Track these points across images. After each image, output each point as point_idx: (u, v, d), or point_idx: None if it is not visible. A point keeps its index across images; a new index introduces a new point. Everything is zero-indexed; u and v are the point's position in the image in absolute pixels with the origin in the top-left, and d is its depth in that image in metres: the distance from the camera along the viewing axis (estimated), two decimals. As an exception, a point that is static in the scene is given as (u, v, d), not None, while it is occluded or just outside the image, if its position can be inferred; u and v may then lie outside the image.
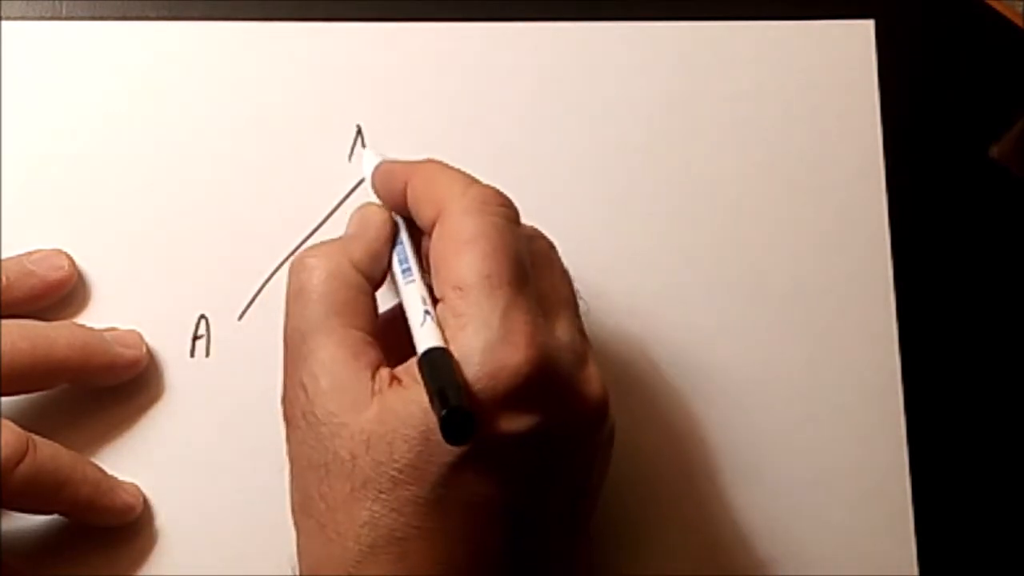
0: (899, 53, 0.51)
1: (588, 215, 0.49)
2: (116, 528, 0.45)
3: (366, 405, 0.37)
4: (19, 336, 0.43)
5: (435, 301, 0.39)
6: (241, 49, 0.50)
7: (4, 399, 0.44)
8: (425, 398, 0.36)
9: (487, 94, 0.50)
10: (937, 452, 0.48)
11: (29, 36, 0.50)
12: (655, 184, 0.50)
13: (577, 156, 0.50)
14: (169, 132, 0.49)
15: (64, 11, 0.50)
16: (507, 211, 0.40)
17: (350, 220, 0.43)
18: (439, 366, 0.36)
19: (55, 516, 0.45)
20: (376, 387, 0.38)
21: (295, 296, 0.40)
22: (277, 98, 0.50)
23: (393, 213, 0.43)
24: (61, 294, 0.47)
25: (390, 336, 0.40)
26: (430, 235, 0.40)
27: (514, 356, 0.36)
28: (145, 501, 0.46)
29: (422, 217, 0.41)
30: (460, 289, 0.38)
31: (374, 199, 0.45)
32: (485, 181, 0.49)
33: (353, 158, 0.49)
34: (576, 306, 0.41)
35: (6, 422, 0.42)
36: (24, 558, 0.45)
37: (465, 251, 0.38)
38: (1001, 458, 0.48)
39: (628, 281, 0.49)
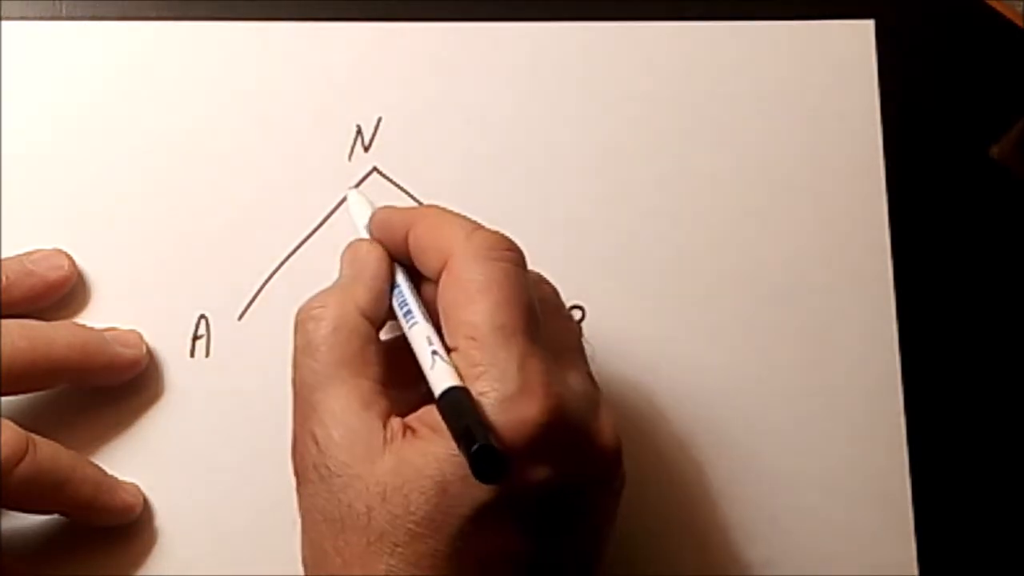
0: (899, 53, 0.51)
1: (588, 215, 0.49)
2: (116, 528, 0.45)
3: (380, 456, 0.37)
4: (19, 336, 0.43)
5: (446, 347, 0.38)
6: (241, 49, 0.50)
7: (4, 399, 0.44)
8: (441, 449, 0.36)
9: (487, 94, 0.50)
10: (937, 452, 0.48)
11: (29, 36, 0.50)
12: (654, 184, 0.50)
13: (576, 156, 0.50)
14: (169, 132, 0.49)
15: (64, 11, 0.50)
16: (515, 255, 0.39)
17: (343, 260, 0.43)
18: (461, 405, 0.36)
19: (55, 516, 0.45)
20: (388, 436, 0.37)
21: (303, 349, 0.40)
22: (277, 98, 0.50)
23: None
24: (61, 294, 0.47)
25: (395, 378, 0.40)
26: (436, 282, 0.40)
27: (532, 407, 0.36)
28: (145, 501, 0.46)
29: (427, 265, 0.41)
30: (474, 339, 0.37)
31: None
32: (485, 182, 0.49)
33: (353, 158, 0.49)
34: (583, 351, 0.41)
35: (6, 422, 0.42)
36: (24, 558, 0.45)
37: (477, 300, 0.38)
38: (1001, 458, 0.48)
39: (628, 281, 0.49)
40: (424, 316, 0.40)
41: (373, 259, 0.42)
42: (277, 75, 0.50)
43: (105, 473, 0.45)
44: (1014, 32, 0.52)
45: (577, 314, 0.48)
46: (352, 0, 0.51)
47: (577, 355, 0.41)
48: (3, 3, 0.50)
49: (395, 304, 0.41)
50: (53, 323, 0.46)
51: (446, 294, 0.39)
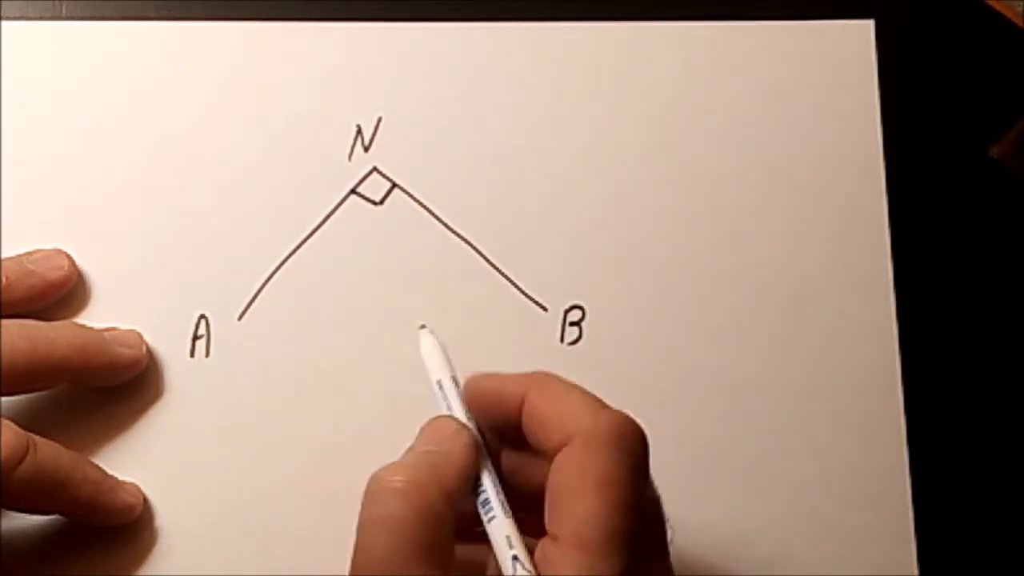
0: (899, 53, 0.51)
1: (588, 215, 0.49)
2: (116, 528, 0.45)
3: None
4: (19, 336, 0.43)
5: (540, 529, 0.37)
6: (241, 49, 0.50)
7: (4, 399, 0.44)
8: None
9: (487, 94, 0.50)
10: (937, 452, 0.48)
11: (29, 36, 0.50)
12: (655, 184, 0.50)
13: (577, 156, 0.50)
14: (169, 132, 0.49)
15: (64, 11, 0.50)
16: (641, 447, 0.38)
17: (423, 434, 0.41)
18: None
19: (55, 516, 0.44)
20: None
21: (381, 522, 0.37)
22: (277, 98, 0.50)
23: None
24: (61, 294, 0.47)
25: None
26: (550, 459, 0.38)
27: None
28: (145, 501, 0.45)
29: (544, 439, 0.38)
30: (580, 538, 0.35)
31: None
32: (485, 182, 0.49)
33: (353, 158, 0.49)
34: (667, 544, 0.39)
35: (6, 422, 0.42)
36: (24, 558, 0.45)
37: (593, 494, 0.36)
38: (1001, 458, 0.48)
39: (628, 281, 0.49)
40: (504, 511, 0.39)
41: (464, 444, 0.40)
42: (277, 75, 0.50)
43: (105, 473, 0.45)
44: (1014, 32, 0.52)
45: (577, 314, 0.48)
46: (352, 0, 0.51)
47: (663, 561, 0.38)
48: (3, 3, 0.50)
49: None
50: (53, 323, 0.46)
51: (562, 476, 0.37)
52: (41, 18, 0.50)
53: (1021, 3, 0.53)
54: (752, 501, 0.47)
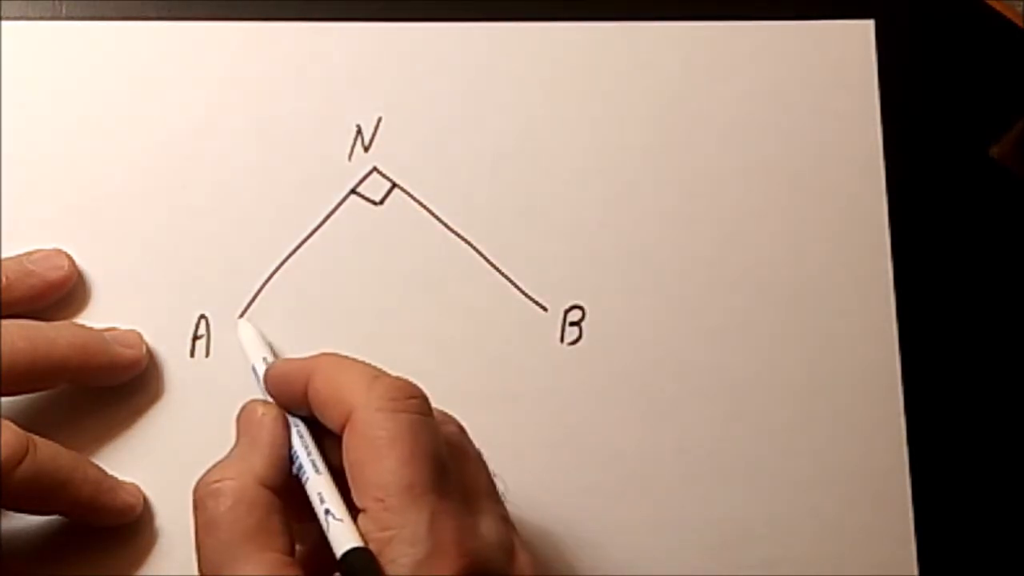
0: (899, 53, 0.51)
1: (588, 215, 0.49)
2: (116, 528, 0.45)
3: None
4: (19, 336, 0.43)
5: (352, 506, 0.37)
6: (241, 49, 0.50)
7: (4, 399, 0.44)
8: None
9: (487, 94, 0.50)
10: (937, 452, 0.48)
11: (29, 36, 0.50)
12: (655, 184, 0.50)
13: (577, 156, 0.50)
14: (169, 132, 0.49)
15: (64, 11, 0.50)
16: (419, 403, 0.38)
17: (238, 423, 0.42)
18: (367, 569, 0.35)
19: (55, 516, 0.44)
20: None
21: (205, 527, 0.38)
22: (277, 98, 0.50)
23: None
24: (61, 294, 0.47)
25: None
26: (340, 435, 0.38)
27: (446, 569, 0.35)
28: (145, 501, 0.45)
29: (329, 419, 0.39)
30: (382, 500, 0.36)
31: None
32: (485, 182, 0.49)
33: (353, 158, 0.49)
34: (495, 491, 0.40)
35: (6, 422, 0.42)
36: (24, 558, 0.45)
37: (383, 457, 0.37)
38: (1001, 458, 0.48)
39: (628, 281, 0.49)
40: (315, 470, 0.39)
41: (268, 422, 0.41)
42: (277, 75, 0.50)
43: (105, 473, 0.45)
44: (1014, 32, 0.52)
45: (577, 314, 0.48)
46: (352, 0, 0.51)
47: (488, 499, 0.39)
48: (3, 3, 0.50)
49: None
50: (53, 323, 0.46)
51: (351, 451, 0.38)
52: (41, 18, 0.50)
53: (1021, 3, 0.53)
54: (752, 501, 0.47)
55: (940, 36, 0.52)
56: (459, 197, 0.49)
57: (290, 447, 0.41)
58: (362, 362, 0.40)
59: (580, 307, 0.48)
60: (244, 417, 0.42)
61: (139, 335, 0.47)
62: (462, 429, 0.41)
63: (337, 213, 0.49)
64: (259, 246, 0.48)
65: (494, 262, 0.49)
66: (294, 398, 0.41)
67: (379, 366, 0.39)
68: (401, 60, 0.50)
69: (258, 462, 0.40)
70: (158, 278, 0.48)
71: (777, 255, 0.49)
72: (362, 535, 0.36)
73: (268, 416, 0.41)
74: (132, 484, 0.45)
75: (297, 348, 0.47)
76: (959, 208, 0.51)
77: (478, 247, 0.49)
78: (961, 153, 0.51)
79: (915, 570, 0.47)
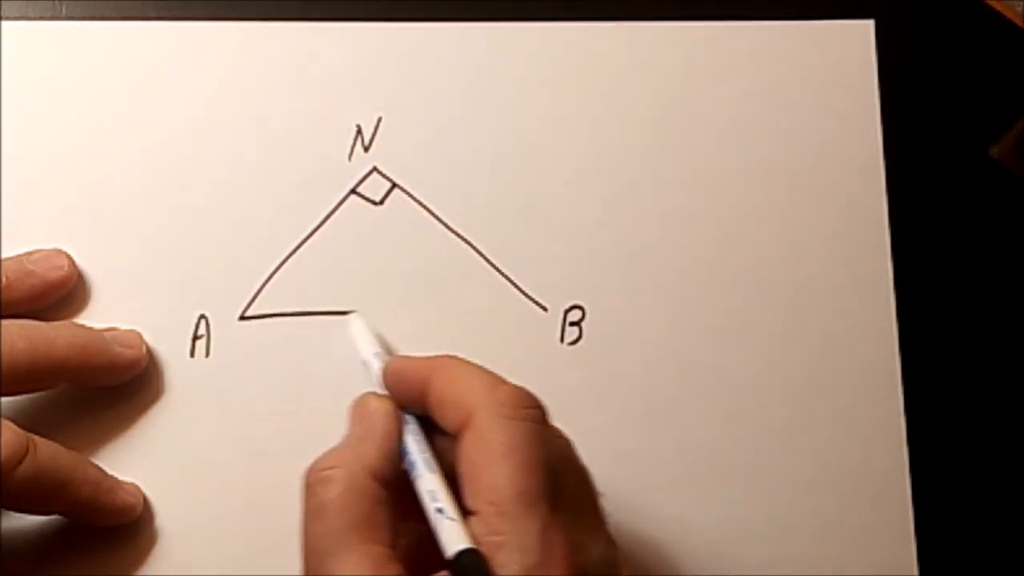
0: (899, 53, 0.51)
1: (588, 215, 0.49)
2: (116, 528, 0.45)
3: None
4: (19, 336, 0.43)
5: (464, 507, 0.38)
6: (241, 49, 0.50)
7: (4, 399, 0.44)
8: None
9: (487, 94, 0.50)
10: (937, 452, 0.48)
11: (29, 36, 0.50)
12: (655, 184, 0.50)
13: (577, 156, 0.50)
14: (169, 132, 0.49)
15: (64, 11, 0.50)
16: (537, 413, 0.39)
17: (351, 414, 0.42)
18: (474, 570, 0.36)
19: (55, 516, 0.44)
20: None
21: (313, 513, 0.38)
22: (277, 98, 0.50)
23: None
24: (61, 294, 0.47)
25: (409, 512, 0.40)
26: (455, 439, 0.39)
27: None
28: (145, 501, 0.45)
29: (447, 420, 0.40)
30: (495, 504, 0.37)
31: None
32: (485, 182, 0.49)
33: (353, 158, 0.49)
34: (600, 508, 0.40)
35: (6, 422, 0.42)
36: (24, 558, 0.45)
37: (499, 463, 0.37)
38: (1001, 458, 0.48)
39: (628, 281, 0.49)
40: (428, 467, 0.39)
41: (382, 415, 0.41)
42: (277, 75, 0.50)
43: (105, 473, 0.45)
44: (1014, 32, 0.52)
45: (577, 314, 0.48)
46: (352, 0, 0.51)
47: (595, 516, 0.40)
48: (3, 3, 0.50)
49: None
50: (53, 323, 0.46)
51: (468, 453, 0.38)
52: (41, 18, 0.50)
53: (1021, 3, 0.53)
54: (752, 501, 0.47)
55: (940, 36, 0.53)
56: (459, 197, 0.49)
57: (401, 442, 0.41)
58: (483, 368, 0.41)
59: (580, 307, 0.48)
60: (357, 408, 0.42)
61: (139, 335, 0.47)
62: (570, 445, 0.41)
63: (337, 213, 0.49)
64: (259, 246, 0.48)
65: (494, 262, 0.49)
66: (411, 395, 0.41)
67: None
68: (401, 60, 0.50)
69: (370, 453, 0.40)
70: (158, 278, 0.48)
71: (777, 255, 0.49)
72: (472, 537, 0.37)
73: (382, 409, 0.41)
74: (132, 484, 0.45)
75: (297, 348, 0.47)
76: (959, 208, 0.51)
77: (478, 247, 0.49)
78: (961, 153, 0.51)
79: (915, 570, 0.47)
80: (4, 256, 0.47)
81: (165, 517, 0.46)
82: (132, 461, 0.46)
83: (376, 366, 0.44)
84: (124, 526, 0.45)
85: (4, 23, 0.49)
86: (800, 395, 0.48)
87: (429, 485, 0.39)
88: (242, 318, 0.48)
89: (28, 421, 0.44)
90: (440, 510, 0.38)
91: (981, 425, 0.49)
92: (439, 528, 0.37)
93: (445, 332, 0.48)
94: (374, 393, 0.43)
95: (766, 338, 0.49)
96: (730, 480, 0.47)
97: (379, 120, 0.50)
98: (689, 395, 0.48)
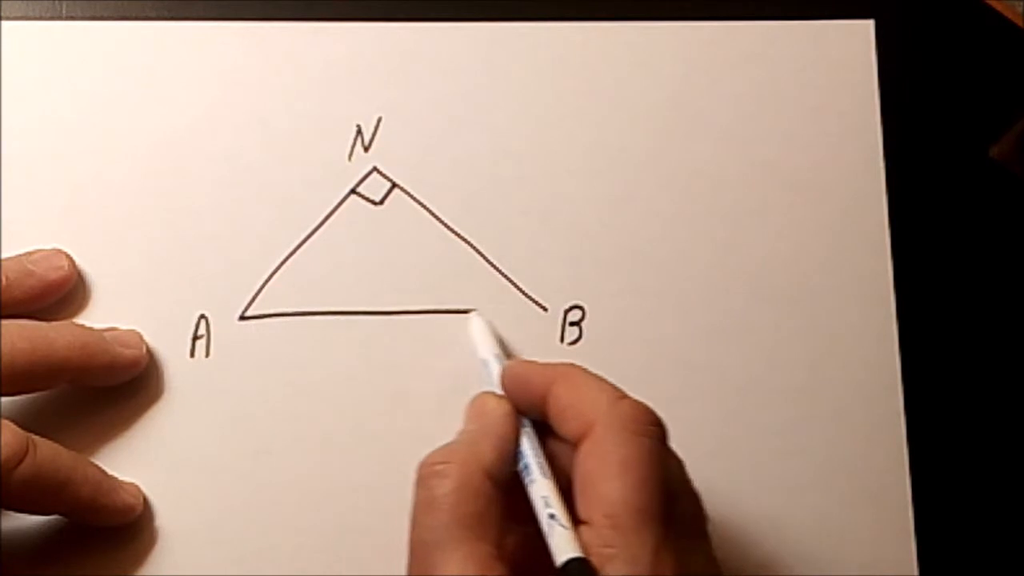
0: (899, 53, 0.51)
1: (588, 215, 0.49)
2: (116, 528, 0.45)
3: None
4: (19, 336, 0.43)
5: (575, 516, 0.38)
6: (241, 49, 0.50)
7: (4, 399, 0.44)
8: None
9: (487, 94, 0.50)
10: (937, 452, 0.48)
11: (29, 36, 0.50)
12: (654, 184, 0.50)
13: (577, 156, 0.50)
14: (169, 132, 0.49)
15: (64, 11, 0.50)
16: (658, 431, 0.39)
17: (468, 411, 0.43)
18: None
19: (55, 516, 0.44)
20: None
21: (425, 505, 0.39)
22: (277, 98, 0.50)
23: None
24: (61, 294, 0.47)
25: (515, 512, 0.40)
26: (574, 447, 0.39)
27: None
28: (145, 501, 0.45)
29: (567, 429, 0.40)
30: (610, 517, 0.37)
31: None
32: (485, 182, 0.49)
33: (353, 158, 0.49)
34: (707, 531, 0.40)
35: (6, 422, 0.42)
36: (24, 558, 0.45)
37: (617, 476, 0.37)
38: (1001, 458, 0.48)
39: (628, 281, 0.49)
40: (543, 473, 0.40)
41: (500, 416, 0.42)
42: (277, 75, 0.50)
43: (105, 473, 0.45)
44: (1014, 32, 0.52)
45: (577, 314, 0.48)
46: (352, 0, 0.51)
47: (703, 537, 0.40)
48: (3, 3, 0.50)
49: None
50: (53, 323, 0.45)
51: (586, 463, 0.38)
52: (41, 18, 0.50)
53: (1021, 3, 0.53)
54: (752, 501, 0.47)
55: (940, 36, 0.52)
56: (459, 197, 0.49)
57: (517, 445, 0.41)
58: (606, 379, 0.41)
59: (580, 307, 0.48)
60: (475, 407, 0.43)
61: (139, 335, 0.47)
62: (681, 465, 0.41)
63: (337, 213, 0.49)
64: (259, 246, 0.48)
65: (494, 262, 0.49)
66: (530, 400, 0.41)
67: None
68: (401, 60, 0.50)
69: (486, 452, 0.40)
70: (158, 278, 0.48)
71: (777, 255, 0.49)
72: (583, 546, 0.37)
73: (500, 410, 0.42)
74: (132, 484, 0.45)
75: (297, 348, 0.47)
76: (959, 208, 0.51)
77: (478, 247, 0.49)
78: (961, 153, 0.51)
79: (915, 570, 0.47)
80: (4, 256, 0.47)
81: (165, 517, 0.46)
82: (132, 461, 0.46)
83: (496, 367, 0.44)
84: (124, 526, 0.45)
85: (4, 23, 0.49)
86: (800, 395, 0.48)
87: (543, 491, 0.39)
88: (242, 318, 0.48)
89: (28, 421, 0.44)
90: (552, 516, 0.38)
91: (981, 425, 0.49)
92: (550, 534, 0.37)
93: (445, 332, 0.48)
94: (492, 393, 0.43)
95: (766, 338, 0.49)
96: (730, 480, 0.47)
97: (379, 120, 0.50)
98: (689, 395, 0.48)
